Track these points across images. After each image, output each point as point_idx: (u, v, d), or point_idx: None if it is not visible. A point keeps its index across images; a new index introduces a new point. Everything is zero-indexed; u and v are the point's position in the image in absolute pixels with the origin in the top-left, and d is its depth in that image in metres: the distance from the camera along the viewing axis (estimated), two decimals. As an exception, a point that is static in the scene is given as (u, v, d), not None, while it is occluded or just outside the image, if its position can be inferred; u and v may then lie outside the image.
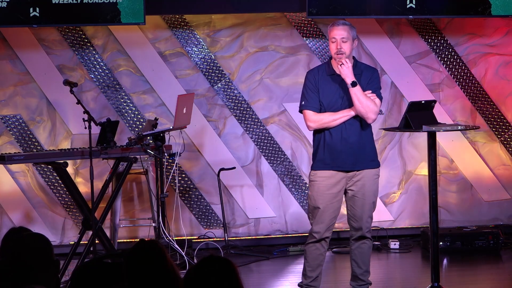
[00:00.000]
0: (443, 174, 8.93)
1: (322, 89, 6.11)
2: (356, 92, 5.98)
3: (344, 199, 6.20)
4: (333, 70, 6.13)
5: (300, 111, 6.20)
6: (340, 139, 6.05)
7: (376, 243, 8.44)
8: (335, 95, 6.10)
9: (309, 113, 6.10)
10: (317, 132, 6.13)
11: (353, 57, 6.15)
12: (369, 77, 6.13)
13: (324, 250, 6.18)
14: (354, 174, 6.09)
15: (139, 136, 7.53)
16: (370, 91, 6.07)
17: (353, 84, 5.98)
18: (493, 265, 8.01)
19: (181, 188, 8.67)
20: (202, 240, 8.59)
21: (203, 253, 8.15)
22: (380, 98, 6.14)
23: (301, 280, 6.26)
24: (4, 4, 7.97)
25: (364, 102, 5.99)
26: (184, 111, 7.73)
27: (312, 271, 6.17)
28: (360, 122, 6.09)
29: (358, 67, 6.12)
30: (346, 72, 5.99)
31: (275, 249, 8.51)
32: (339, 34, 6.06)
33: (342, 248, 8.32)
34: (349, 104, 6.06)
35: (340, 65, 5.99)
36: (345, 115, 6.05)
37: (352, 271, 6.23)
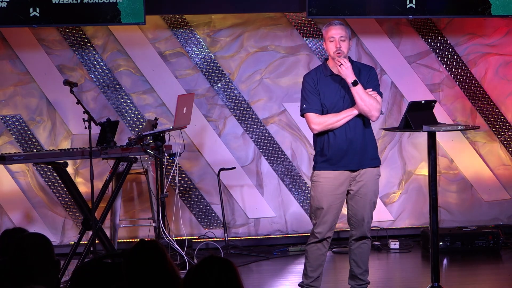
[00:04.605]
0: (443, 174, 8.93)
1: (323, 91, 6.08)
2: (358, 91, 5.98)
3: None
4: (331, 71, 6.12)
5: (302, 115, 6.17)
6: (345, 139, 6.04)
7: (376, 243, 8.44)
8: (336, 96, 6.08)
9: (312, 115, 6.07)
10: (320, 134, 6.10)
11: (349, 57, 6.14)
12: (367, 75, 6.12)
13: (325, 250, 6.18)
14: (358, 173, 6.09)
15: (139, 136, 7.53)
16: (371, 89, 6.07)
17: (354, 83, 5.97)
18: (493, 265, 8.01)
19: (181, 188, 8.67)
20: (202, 240, 8.59)
21: (203, 253, 8.15)
22: (380, 95, 6.14)
23: (301, 280, 6.25)
24: (4, 4, 7.98)
25: (367, 100, 5.99)
26: (184, 111, 7.73)
27: (313, 271, 6.17)
28: (363, 121, 6.08)
29: (355, 65, 6.11)
30: (346, 72, 5.98)
31: (275, 249, 8.51)
32: (338, 33, 6.05)
33: (342, 248, 8.32)
34: (351, 103, 6.05)
35: (339, 65, 5.98)
36: (348, 114, 6.04)
37: (350, 270, 6.23)
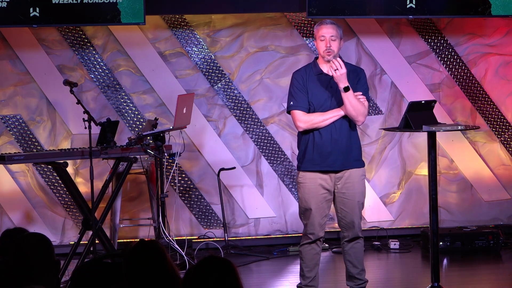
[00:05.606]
0: (443, 174, 8.93)
1: (311, 90, 6.06)
2: (348, 97, 5.96)
3: (332, 202, 6.18)
4: (320, 70, 6.10)
5: (288, 112, 6.16)
6: (330, 140, 6.03)
7: (376, 243, 8.44)
8: (324, 95, 6.07)
9: (298, 113, 6.06)
10: (305, 132, 6.08)
11: (340, 57, 6.12)
12: (357, 78, 6.10)
13: (319, 249, 6.18)
14: (342, 174, 6.09)
15: (139, 136, 7.53)
16: (361, 93, 6.05)
17: (346, 89, 5.96)
18: (493, 265, 8.01)
19: (181, 188, 8.67)
20: (202, 240, 8.59)
21: (203, 253, 8.15)
22: (368, 100, 6.13)
23: (299, 282, 6.25)
24: (4, 4, 7.98)
25: (356, 106, 5.98)
26: (184, 111, 7.73)
27: (310, 271, 6.17)
28: (349, 122, 6.06)
29: (345, 67, 6.06)
30: (340, 77, 5.95)
31: (275, 249, 8.51)
32: (328, 32, 6.04)
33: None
34: (338, 103, 6.04)
35: (335, 70, 5.95)
36: (335, 115, 6.03)
37: (347, 271, 6.22)
